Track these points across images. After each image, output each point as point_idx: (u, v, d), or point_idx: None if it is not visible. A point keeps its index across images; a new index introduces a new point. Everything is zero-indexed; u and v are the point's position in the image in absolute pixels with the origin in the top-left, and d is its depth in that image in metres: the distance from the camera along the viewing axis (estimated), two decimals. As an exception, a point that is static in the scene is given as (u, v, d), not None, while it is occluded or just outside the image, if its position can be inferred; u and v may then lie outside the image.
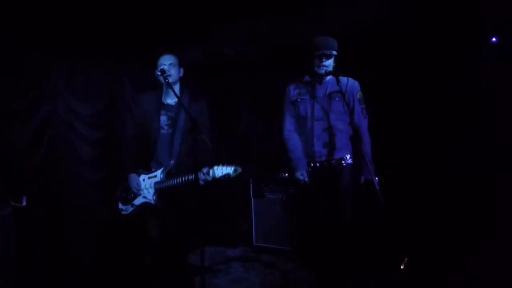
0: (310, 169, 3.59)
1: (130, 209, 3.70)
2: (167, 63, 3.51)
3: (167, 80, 3.38)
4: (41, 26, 3.92)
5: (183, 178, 3.39)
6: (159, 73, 3.40)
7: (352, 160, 3.55)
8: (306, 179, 3.56)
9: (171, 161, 3.55)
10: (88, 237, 4.58)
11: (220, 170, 3.27)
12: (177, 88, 3.58)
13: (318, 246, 3.75)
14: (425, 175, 4.42)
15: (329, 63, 3.47)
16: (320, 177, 3.57)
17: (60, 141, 4.41)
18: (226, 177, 3.28)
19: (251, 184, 5.04)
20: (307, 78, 3.64)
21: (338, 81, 3.33)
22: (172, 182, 3.48)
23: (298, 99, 3.66)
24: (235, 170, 3.27)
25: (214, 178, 3.29)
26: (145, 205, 3.64)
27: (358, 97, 3.58)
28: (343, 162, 3.54)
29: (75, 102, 4.51)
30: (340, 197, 3.51)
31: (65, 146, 4.45)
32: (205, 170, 3.31)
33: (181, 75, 3.63)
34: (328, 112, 3.54)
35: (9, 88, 4.02)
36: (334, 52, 3.45)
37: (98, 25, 4.11)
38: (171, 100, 3.63)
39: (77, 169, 4.54)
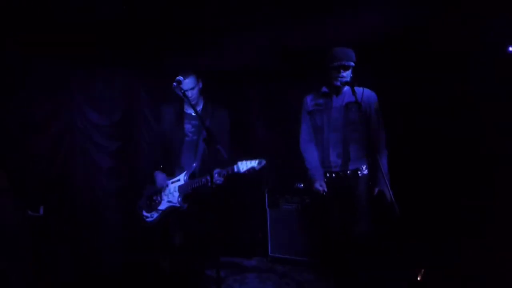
0: (325, 179, 3.57)
1: (155, 215, 3.79)
2: (188, 88, 3.57)
3: (183, 91, 3.43)
4: (61, 37, 3.98)
5: (207, 178, 3.42)
6: (175, 83, 3.43)
7: (368, 171, 3.52)
8: (325, 190, 3.54)
9: (194, 164, 3.68)
10: (105, 246, 4.61)
11: (245, 165, 3.36)
12: (201, 98, 3.75)
13: (334, 258, 3.72)
14: (442, 187, 4.33)
15: (347, 74, 3.45)
16: (336, 187, 3.55)
17: (77, 151, 4.47)
18: (251, 170, 3.35)
19: (266, 195, 5.01)
20: (324, 89, 3.63)
21: (354, 92, 3.31)
22: (196, 183, 3.57)
23: (315, 110, 3.65)
24: (259, 163, 3.35)
25: (239, 172, 3.37)
26: (170, 209, 3.73)
27: (375, 108, 3.55)
28: (358, 172, 3.51)
29: (92, 112, 4.56)
30: (356, 208, 3.49)
31: (83, 156, 4.51)
32: (229, 167, 3.39)
33: (200, 87, 3.74)
34: (344, 123, 3.52)
35: (29, 99, 4.10)
36: (352, 63, 3.43)
37: (116, 36, 4.18)
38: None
39: (94, 179, 4.59)
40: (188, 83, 3.57)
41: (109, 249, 4.60)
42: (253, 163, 3.35)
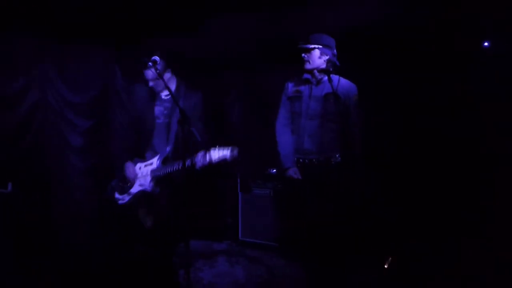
0: (299, 166, 3.60)
1: (126, 198, 3.71)
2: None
3: (158, 71, 3.37)
4: (34, 12, 3.87)
5: (180, 164, 3.34)
6: (150, 63, 3.37)
7: (341, 159, 3.56)
8: (299, 177, 3.56)
9: (167, 148, 3.60)
10: (76, 225, 4.54)
11: (217, 153, 3.24)
12: (174, 79, 3.64)
13: (305, 243, 3.75)
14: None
15: (310, 58, 3.48)
16: (309, 174, 3.58)
17: (49, 128, 4.38)
18: (223, 158, 3.25)
19: (238, 179, 5.03)
20: (305, 75, 3.65)
21: (330, 79, 3.33)
22: (168, 168, 3.48)
23: (295, 96, 3.67)
24: (231, 151, 3.24)
25: (211, 161, 3.27)
26: (141, 193, 3.65)
27: (354, 101, 3.57)
28: (332, 159, 3.55)
29: (65, 89, 4.46)
30: (328, 195, 3.53)
31: (54, 133, 4.42)
32: (201, 153, 3.29)
33: (169, 76, 3.63)
34: (321, 112, 3.55)
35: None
36: (311, 46, 3.44)
37: (91, 12, 4.07)
38: (166, 91, 3.63)
39: (65, 157, 4.51)
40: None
41: (80, 228, 4.53)
42: (225, 151, 3.24)
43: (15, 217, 4.03)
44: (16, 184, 3.92)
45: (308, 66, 3.50)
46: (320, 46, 3.48)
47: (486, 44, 4.11)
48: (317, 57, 3.50)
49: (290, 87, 3.74)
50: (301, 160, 3.60)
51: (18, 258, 3.94)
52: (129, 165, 3.69)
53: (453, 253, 4.02)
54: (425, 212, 4.35)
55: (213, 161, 3.27)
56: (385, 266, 3.46)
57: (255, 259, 4.60)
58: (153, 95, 3.70)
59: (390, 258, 3.49)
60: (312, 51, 3.48)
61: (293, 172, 3.58)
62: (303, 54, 3.49)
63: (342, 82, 3.53)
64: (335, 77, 3.46)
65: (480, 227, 4.05)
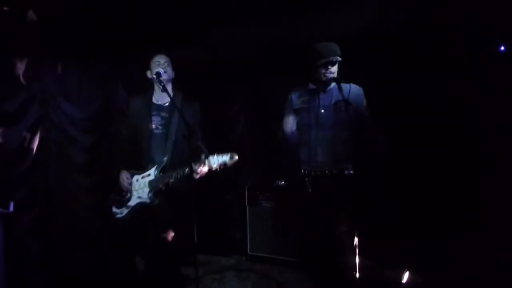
0: (310, 178, 3.49)
1: (125, 211, 3.61)
2: (163, 61, 3.60)
3: (162, 84, 3.35)
4: (33, 26, 3.76)
5: (178, 173, 3.35)
6: (154, 76, 3.36)
7: (354, 171, 3.45)
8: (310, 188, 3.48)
9: (164, 158, 3.53)
10: (78, 243, 4.42)
11: (216, 159, 3.21)
12: (169, 89, 3.58)
13: (316, 258, 3.66)
14: (442, 187, 4.35)
15: (335, 69, 3.40)
16: (321, 187, 3.48)
17: (51, 145, 4.27)
18: (222, 166, 3.22)
19: (246, 192, 4.94)
20: (310, 86, 3.55)
21: (340, 88, 3.25)
22: (166, 178, 3.43)
23: (302, 108, 3.56)
24: (231, 157, 3.21)
25: (210, 168, 3.23)
26: (140, 205, 3.57)
27: (365, 105, 3.49)
28: (345, 172, 3.45)
29: (67, 105, 4.36)
30: (339, 209, 3.42)
31: (56, 150, 4.31)
32: (200, 161, 3.26)
33: (173, 76, 3.68)
34: (333, 122, 3.45)
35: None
36: (339, 58, 3.37)
37: (91, 26, 3.99)
38: (164, 101, 3.65)
39: (67, 174, 4.39)
40: (163, 57, 3.63)
41: (82, 247, 4.42)
42: (225, 157, 3.22)
43: (17, 236, 3.92)
44: (17, 204, 3.83)
45: (330, 76, 3.40)
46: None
47: (502, 48, 4.05)
48: (337, 68, 3.43)
49: (295, 98, 3.63)
50: (312, 172, 3.49)
51: (18, 275, 3.85)
52: (123, 173, 3.62)
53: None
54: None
55: (213, 168, 3.22)
56: (403, 282, 3.38)
57: (264, 273, 4.56)
58: (150, 105, 3.65)
59: (408, 273, 3.42)
60: (337, 63, 3.39)
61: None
62: (330, 67, 3.38)
63: (351, 88, 3.45)
64: (346, 86, 3.38)
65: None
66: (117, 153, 4.13)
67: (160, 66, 3.53)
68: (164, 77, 3.45)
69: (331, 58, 3.33)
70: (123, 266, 4.40)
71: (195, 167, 3.26)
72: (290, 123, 3.61)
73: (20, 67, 3.96)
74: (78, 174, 4.45)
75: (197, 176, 3.31)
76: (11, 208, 3.76)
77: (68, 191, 4.39)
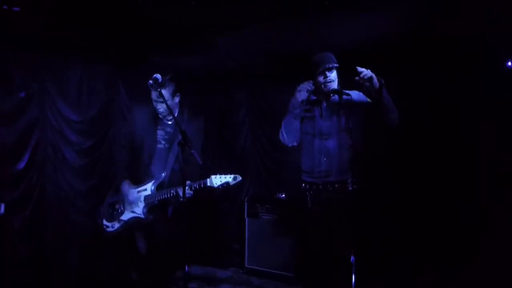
0: (312, 192, 3.39)
1: (116, 225, 3.56)
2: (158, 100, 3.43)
3: (159, 90, 3.21)
4: (36, 27, 3.75)
5: (173, 191, 3.31)
6: (151, 81, 3.17)
7: (358, 184, 3.35)
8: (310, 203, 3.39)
9: (163, 174, 3.48)
10: (70, 246, 4.35)
11: (219, 179, 3.23)
12: (177, 105, 3.57)
13: (315, 273, 3.52)
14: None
15: (334, 77, 3.33)
16: (321, 202, 3.38)
17: (47, 147, 4.19)
18: (225, 185, 3.24)
19: (246, 204, 4.85)
20: (312, 97, 3.47)
21: (341, 99, 3.17)
22: (162, 195, 3.39)
23: (305, 117, 3.48)
24: (234, 178, 3.24)
25: (212, 187, 3.23)
26: (133, 220, 3.50)
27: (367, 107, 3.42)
28: (348, 185, 3.33)
29: (66, 107, 4.31)
30: (339, 225, 3.32)
31: (52, 152, 4.23)
32: (197, 183, 3.26)
33: (177, 101, 3.59)
34: (337, 130, 3.38)
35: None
36: (336, 64, 3.34)
37: (94, 29, 3.94)
38: (170, 116, 3.54)
39: (63, 177, 4.32)
40: (165, 93, 3.37)
41: (74, 250, 4.34)
42: (228, 178, 3.23)
43: (9, 238, 3.86)
44: (10, 205, 3.76)
45: (331, 87, 3.32)
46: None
47: (510, 64, 4.03)
48: (336, 76, 3.37)
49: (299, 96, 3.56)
50: (314, 186, 3.39)
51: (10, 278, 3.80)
52: (125, 184, 3.54)
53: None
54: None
55: (215, 187, 3.24)
56: None
57: (261, 287, 4.47)
58: (156, 118, 3.58)
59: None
60: (334, 69, 3.34)
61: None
62: (328, 74, 3.31)
63: (353, 94, 3.37)
64: (348, 95, 3.29)
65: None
66: (118, 161, 4.06)
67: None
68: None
69: (327, 65, 3.31)
70: (115, 272, 4.30)
71: (195, 185, 3.25)
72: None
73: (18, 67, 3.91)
74: (73, 177, 4.38)
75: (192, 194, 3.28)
76: (2, 210, 3.70)
77: (62, 193, 4.31)
